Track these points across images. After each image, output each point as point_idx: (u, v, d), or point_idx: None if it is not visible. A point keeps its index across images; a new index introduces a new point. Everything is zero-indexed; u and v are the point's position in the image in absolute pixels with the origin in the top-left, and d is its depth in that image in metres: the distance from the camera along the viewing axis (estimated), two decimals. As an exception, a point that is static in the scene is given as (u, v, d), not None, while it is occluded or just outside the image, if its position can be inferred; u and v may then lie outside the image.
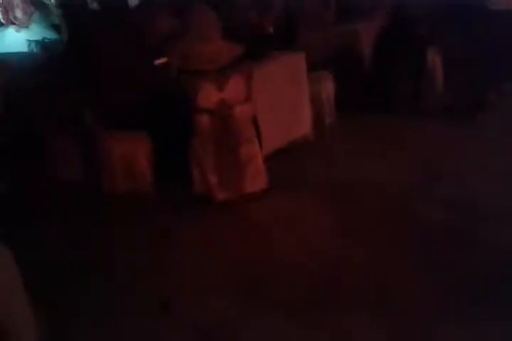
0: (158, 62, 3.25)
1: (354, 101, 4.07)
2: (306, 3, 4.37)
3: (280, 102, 3.47)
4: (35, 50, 5.46)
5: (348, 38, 4.28)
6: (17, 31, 5.38)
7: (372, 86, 4.20)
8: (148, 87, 3.23)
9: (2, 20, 5.31)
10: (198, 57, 2.91)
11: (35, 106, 3.44)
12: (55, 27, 5.72)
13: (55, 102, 3.42)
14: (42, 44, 5.46)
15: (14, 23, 5.43)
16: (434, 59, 3.87)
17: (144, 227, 2.93)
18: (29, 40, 5.56)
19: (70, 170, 3.41)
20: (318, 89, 3.84)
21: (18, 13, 5.64)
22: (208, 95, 2.96)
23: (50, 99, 3.41)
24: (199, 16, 2.95)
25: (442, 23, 3.72)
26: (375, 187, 3.11)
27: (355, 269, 2.36)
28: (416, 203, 2.89)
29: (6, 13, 5.52)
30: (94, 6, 6.72)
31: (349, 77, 4.14)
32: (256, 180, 3.10)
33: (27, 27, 5.40)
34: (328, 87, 3.95)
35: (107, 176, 3.31)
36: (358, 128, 3.97)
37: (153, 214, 3.08)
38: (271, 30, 3.83)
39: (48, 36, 5.74)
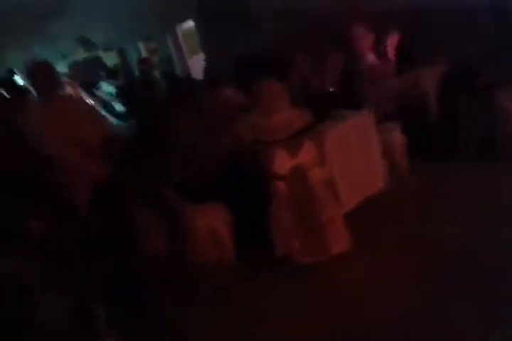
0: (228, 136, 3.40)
1: (423, 150, 4.02)
2: (364, 58, 4.46)
3: (354, 160, 3.50)
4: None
5: (410, 86, 4.29)
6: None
7: (440, 133, 4.15)
8: (223, 159, 3.39)
9: None
10: (269, 128, 3.02)
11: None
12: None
13: (139, 175, 3.64)
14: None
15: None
16: (505, 103, 3.78)
17: (228, 297, 3.00)
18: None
19: (156, 243, 3.56)
20: (388, 140, 3.84)
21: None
22: (282, 162, 3.03)
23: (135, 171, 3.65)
24: (266, 89, 3.06)
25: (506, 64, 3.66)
26: (459, 244, 2.99)
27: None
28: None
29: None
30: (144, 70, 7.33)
31: (416, 126, 4.12)
32: (338, 241, 3.09)
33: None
34: (396, 138, 3.95)
35: (190, 246, 3.43)
36: (430, 178, 3.88)
37: (236, 281, 3.13)
38: (332, 88, 3.92)
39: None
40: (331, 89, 3.96)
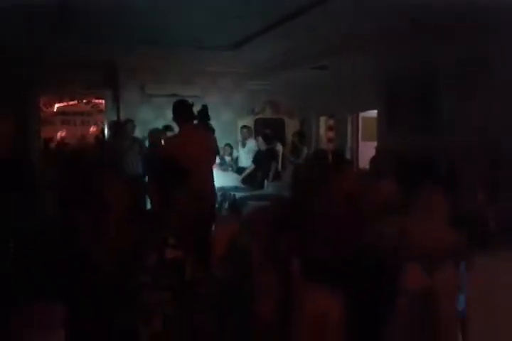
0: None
1: None
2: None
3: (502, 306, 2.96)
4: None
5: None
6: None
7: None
8: (356, 245, 3.21)
9: None
10: (418, 239, 2.82)
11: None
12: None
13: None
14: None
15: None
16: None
17: None
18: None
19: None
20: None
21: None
22: (414, 278, 2.79)
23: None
24: (430, 195, 2.91)
25: None
26: None
27: None
28: None
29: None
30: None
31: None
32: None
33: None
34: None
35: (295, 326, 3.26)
36: None
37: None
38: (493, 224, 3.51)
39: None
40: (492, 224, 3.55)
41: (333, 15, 5.11)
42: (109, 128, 7.98)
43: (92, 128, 9.74)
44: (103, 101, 8.78)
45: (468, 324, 2.78)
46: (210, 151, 4.84)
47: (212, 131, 6.44)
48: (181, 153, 3.77)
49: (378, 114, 7.61)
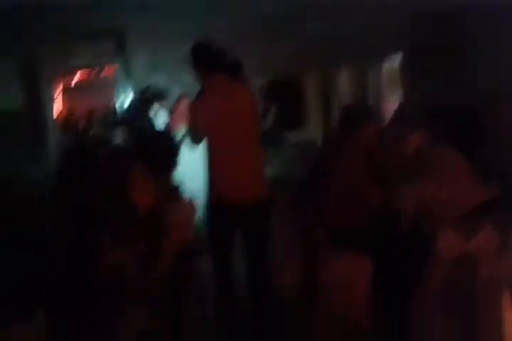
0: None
1: None
2: None
3: None
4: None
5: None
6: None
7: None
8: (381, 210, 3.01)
9: None
10: (440, 201, 2.59)
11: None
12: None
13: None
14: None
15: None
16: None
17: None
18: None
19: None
20: None
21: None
22: (450, 245, 2.56)
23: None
24: (445, 158, 2.65)
25: None
26: None
27: None
28: None
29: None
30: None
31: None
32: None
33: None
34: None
35: (322, 293, 3.13)
36: None
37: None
38: None
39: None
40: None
41: None
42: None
43: (104, 100, 9.41)
44: (114, 70, 8.54)
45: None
46: (252, 118, 3.14)
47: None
48: (204, 124, 3.00)
49: (402, 62, 7.18)
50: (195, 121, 3.07)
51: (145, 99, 5.87)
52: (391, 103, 7.46)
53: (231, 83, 3.09)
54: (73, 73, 9.37)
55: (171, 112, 5.81)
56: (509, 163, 3.20)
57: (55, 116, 8.39)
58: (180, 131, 4.98)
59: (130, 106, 6.71)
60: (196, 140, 3.12)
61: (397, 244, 2.74)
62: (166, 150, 3.47)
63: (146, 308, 1.66)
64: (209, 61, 3.10)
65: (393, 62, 7.39)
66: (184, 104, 4.97)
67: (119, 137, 5.40)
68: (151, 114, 5.95)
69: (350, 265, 2.97)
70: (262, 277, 3.13)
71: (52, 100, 7.82)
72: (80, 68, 9.16)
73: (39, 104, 7.36)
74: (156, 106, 5.97)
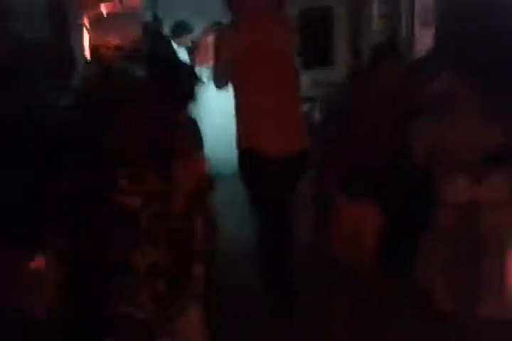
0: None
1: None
2: None
3: None
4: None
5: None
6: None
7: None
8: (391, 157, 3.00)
9: None
10: (452, 142, 2.59)
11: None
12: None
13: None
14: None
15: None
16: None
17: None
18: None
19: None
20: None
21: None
22: (459, 189, 2.60)
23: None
24: (459, 96, 2.62)
25: None
26: None
27: None
28: None
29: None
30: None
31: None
32: (498, 304, 2.58)
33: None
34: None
35: (334, 239, 3.24)
36: None
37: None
38: None
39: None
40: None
41: None
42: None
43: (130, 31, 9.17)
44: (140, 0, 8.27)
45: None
46: (291, 55, 2.77)
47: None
48: (234, 58, 2.56)
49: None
50: (224, 54, 2.59)
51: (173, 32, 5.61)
52: (423, 40, 7.15)
53: (269, 14, 2.64)
54: (100, 3, 9.15)
55: (195, 46, 5.61)
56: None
57: (82, 47, 8.36)
58: (204, 68, 4.82)
59: (155, 38, 6.58)
60: (221, 80, 2.72)
61: (407, 190, 2.76)
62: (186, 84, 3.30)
63: (159, 242, 1.76)
64: None
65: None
66: (210, 39, 4.77)
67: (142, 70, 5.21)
68: (176, 47, 5.67)
69: (361, 213, 3.06)
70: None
71: (79, 31, 7.75)
72: None
73: (66, 35, 7.30)
74: (182, 39, 5.65)
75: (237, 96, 2.67)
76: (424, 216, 2.69)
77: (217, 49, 2.67)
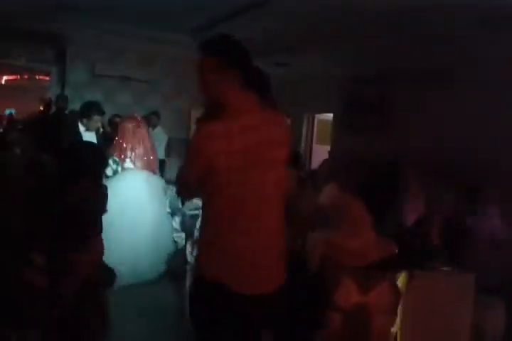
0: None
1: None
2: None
3: (436, 328, 2.84)
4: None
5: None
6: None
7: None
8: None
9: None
10: (344, 250, 2.61)
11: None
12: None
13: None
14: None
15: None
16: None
17: None
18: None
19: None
20: (483, 318, 3.13)
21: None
22: (347, 295, 2.59)
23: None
24: (355, 208, 2.70)
25: None
26: None
27: None
28: None
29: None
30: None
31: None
32: None
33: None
34: (495, 318, 3.22)
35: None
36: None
37: None
38: (437, 240, 3.31)
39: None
40: (436, 240, 3.37)
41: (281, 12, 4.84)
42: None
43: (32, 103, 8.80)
44: (48, 77, 8.15)
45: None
46: (283, 151, 2.01)
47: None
48: (223, 159, 1.82)
49: (334, 117, 7.49)
50: (201, 156, 1.85)
51: (81, 112, 5.04)
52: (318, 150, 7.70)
53: (263, 106, 1.99)
54: (6, 71, 8.79)
55: (110, 135, 5.01)
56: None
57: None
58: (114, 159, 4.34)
59: (59, 116, 6.32)
60: (190, 191, 2.09)
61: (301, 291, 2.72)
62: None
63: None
64: (246, 61, 1.98)
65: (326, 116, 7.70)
66: (122, 128, 4.46)
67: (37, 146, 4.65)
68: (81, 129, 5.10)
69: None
70: None
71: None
72: (14, 68, 8.61)
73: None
74: (92, 121, 5.04)
75: (207, 212, 2.00)
76: (316, 316, 2.59)
77: (193, 146, 1.95)
